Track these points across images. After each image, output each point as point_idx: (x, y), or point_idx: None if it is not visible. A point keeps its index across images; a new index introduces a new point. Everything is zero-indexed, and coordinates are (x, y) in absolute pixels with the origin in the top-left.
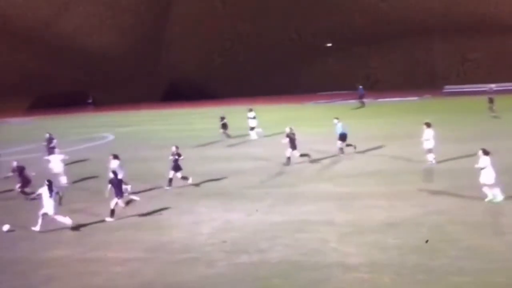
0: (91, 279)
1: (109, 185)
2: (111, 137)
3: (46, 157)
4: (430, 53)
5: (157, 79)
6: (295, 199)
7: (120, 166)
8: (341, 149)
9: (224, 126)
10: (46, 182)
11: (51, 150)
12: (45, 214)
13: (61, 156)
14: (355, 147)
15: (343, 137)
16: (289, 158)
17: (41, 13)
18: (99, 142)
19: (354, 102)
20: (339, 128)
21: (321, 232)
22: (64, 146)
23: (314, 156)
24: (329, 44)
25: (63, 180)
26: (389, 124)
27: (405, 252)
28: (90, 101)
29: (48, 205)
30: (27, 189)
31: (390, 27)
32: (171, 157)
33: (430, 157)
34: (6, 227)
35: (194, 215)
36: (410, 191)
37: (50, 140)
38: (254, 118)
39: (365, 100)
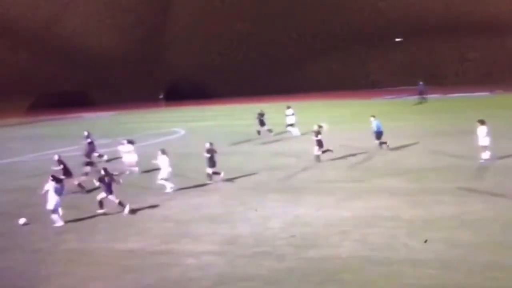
0: (166, 271)
1: (98, 182)
2: (182, 131)
3: (118, 147)
4: (429, 53)
5: (157, 79)
6: (363, 194)
7: (168, 161)
8: (381, 144)
9: (262, 123)
10: (51, 178)
11: (90, 147)
12: (54, 211)
13: (129, 148)
14: (388, 145)
15: (379, 135)
16: (318, 156)
17: (41, 13)
18: (172, 137)
19: (416, 98)
20: (375, 126)
21: (391, 227)
22: (139, 140)
23: (377, 152)
24: (399, 39)
25: (135, 169)
26: (451, 120)
27: (477, 249)
28: (161, 96)
29: (51, 200)
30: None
31: (389, 26)
32: (205, 154)
33: (485, 155)
34: (22, 221)
35: (264, 210)
36: (478, 187)
37: (88, 138)
38: (292, 115)
39: (426, 96)
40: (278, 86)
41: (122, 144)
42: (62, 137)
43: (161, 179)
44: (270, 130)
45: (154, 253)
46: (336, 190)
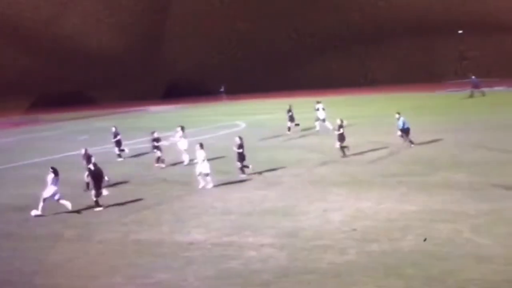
0: (227, 263)
1: (89, 177)
2: (243, 125)
3: (172, 139)
4: (429, 52)
5: (157, 78)
6: (426, 188)
7: (205, 156)
8: (410, 141)
9: (291, 118)
10: (51, 170)
11: (117, 143)
12: (46, 199)
13: (179, 135)
14: (412, 143)
15: (406, 131)
16: (341, 148)
17: (40, 13)
18: (233, 130)
19: (470, 92)
20: (401, 122)
21: (454, 222)
22: (200, 133)
23: (438, 145)
24: (460, 31)
25: (186, 159)
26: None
27: None
28: (222, 90)
29: (49, 190)
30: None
31: (388, 25)
32: (235, 148)
33: None
34: (34, 212)
35: (325, 203)
36: None
37: (115, 134)
38: (318, 110)
39: (479, 89)
40: (276, 84)
41: (176, 132)
42: (127, 130)
43: (205, 174)
44: (289, 128)
45: (216, 245)
46: (398, 184)
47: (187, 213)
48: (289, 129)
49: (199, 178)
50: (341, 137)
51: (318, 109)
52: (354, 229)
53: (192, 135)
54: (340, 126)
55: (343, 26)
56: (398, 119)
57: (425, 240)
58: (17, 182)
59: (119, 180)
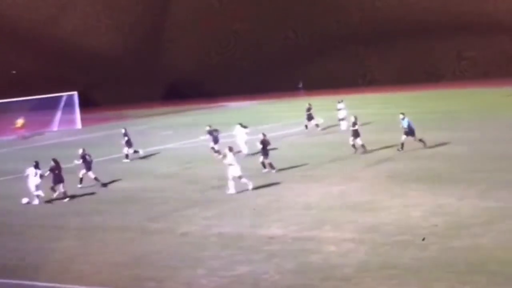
0: (308, 257)
1: (49, 172)
2: (321, 120)
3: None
4: (427, 51)
5: (156, 79)
6: (506, 184)
7: (235, 159)
8: (420, 140)
9: (310, 117)
10: (33, 163)
11: (128, 144)
12: (36, 189)
13: (239, 131)
14: (422, 141)
15: (411, 132)
16: (353, 145)
17: (39, 13)
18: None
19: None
20: (405, 123)
21: None
22: (274, 130)
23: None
24: None
25: (244, 150)
26: None
27: None
28: (300, 86)
29: (32, 182)
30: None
31: (386, 25)
32: (258, 144)
33: None
34: (25, 200)
35: (405, 198)
36: None
37: (125, 135)
38: (340, 109)
39: None
40: (275, 84)
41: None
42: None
43: (238, 177)
44: (307, 126)
45: (296, 239)
46: (478, 180)
47: (267, 207)
48: (306, 127)
49: (230, 183)
50: (356, 133)
51: (340, 109)
52: (435, 225)
53: (268, 131)
54: (355, 123)
55: (341, 26)
56: (403, 119)
57: (423, 239)
58: (107, 175)
59: (202, 176)
